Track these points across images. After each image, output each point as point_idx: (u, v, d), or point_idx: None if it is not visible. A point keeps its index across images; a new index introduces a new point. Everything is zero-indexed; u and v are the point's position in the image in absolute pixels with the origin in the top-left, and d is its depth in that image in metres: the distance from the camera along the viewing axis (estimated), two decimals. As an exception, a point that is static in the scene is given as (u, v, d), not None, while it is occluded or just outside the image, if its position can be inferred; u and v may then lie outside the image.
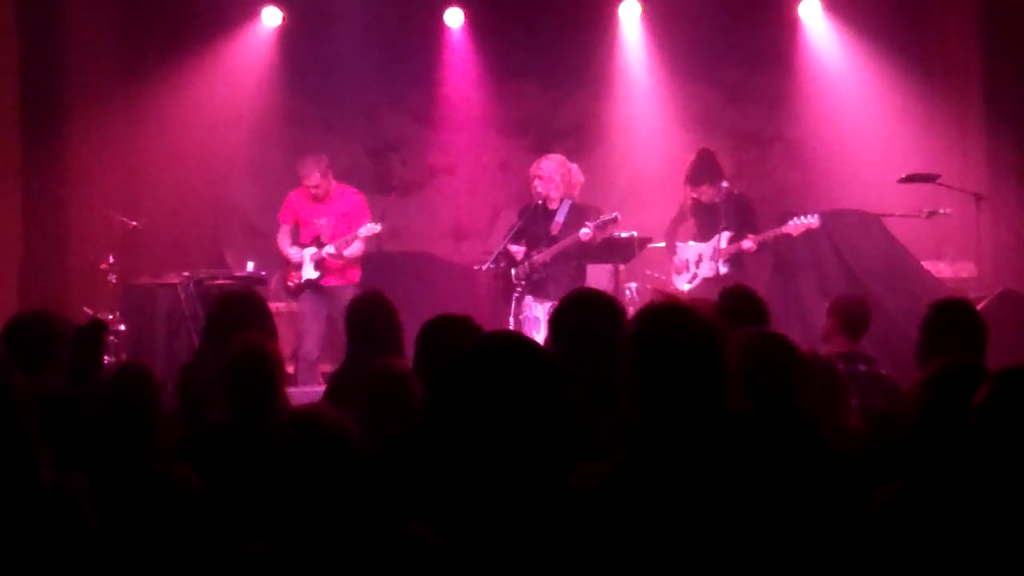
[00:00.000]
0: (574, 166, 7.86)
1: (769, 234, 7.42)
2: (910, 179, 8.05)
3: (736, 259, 7.53)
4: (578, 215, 7.56)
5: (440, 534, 2.35)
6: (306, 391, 6.00)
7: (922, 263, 7.77)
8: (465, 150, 10.25)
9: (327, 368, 7.43)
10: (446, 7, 9.86)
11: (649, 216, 8.57)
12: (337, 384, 4.29)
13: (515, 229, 7.58)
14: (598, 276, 8.17)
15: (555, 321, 3.40)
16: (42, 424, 2.89)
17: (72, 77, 8.85)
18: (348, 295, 7.63)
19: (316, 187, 7.83)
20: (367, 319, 4.34)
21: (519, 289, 7.49)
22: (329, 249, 7.75)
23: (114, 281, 8.16)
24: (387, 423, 3.33)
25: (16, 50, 8.23)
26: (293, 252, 7.87)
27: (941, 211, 8.08)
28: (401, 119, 10.30)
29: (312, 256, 7.84)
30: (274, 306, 7.67)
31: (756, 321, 4.10)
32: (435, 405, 2.23)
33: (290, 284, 7.98)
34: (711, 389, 2.30)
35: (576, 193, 7.78)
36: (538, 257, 7.47)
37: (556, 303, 7.34)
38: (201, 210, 9.70)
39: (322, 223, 7.88)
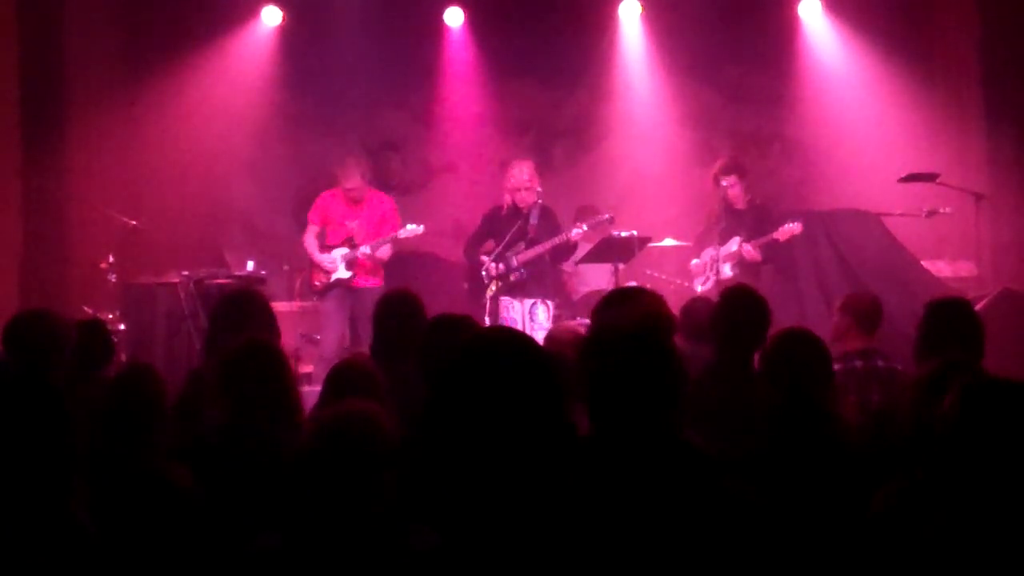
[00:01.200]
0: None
1: (761, 241, 7.48)
2: (910, 178, 8.05)
3: (742, 264, 7.57)
4: (548, 216, 7.65)
5: (439, 533, 2.34)
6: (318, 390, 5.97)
7: (922, 262, 7.78)
8: (465, 150, 10.25)
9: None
10: (446, 7, 9.85)
11: (649, 216, 8.58)
12: None
13: (512, 233, 7.55)
14: (598, 276, 8.18)
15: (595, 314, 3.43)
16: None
17: (72, 77, 8.85)
18: (374, 296, 7.67)
19: (355, 189, 7.92)
20: (390, 316, 4.34)
21: (493, 289, 7.51)
22: (365, 249, 7.80)
23: (114, 280, 8.16)
24: None
25: (16, 50, 8.23)
26: (327, 259, 7.92)
27: (941, 210, 8.08)
28: (401, 119, 10.30)
29: (344, 256, 7.89)
30: (275, 306, 7.70)
31: (757, 320, 4.11)
32: (434, 402, 2.23)
33: (317, 284, 8.03)
34: (661, 408, 2.26)
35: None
36: (521, 257, 7.49)
37: (537, 300, 7.44)
38: (201, 210, 9.70)
39: (354, 225, 7.94)
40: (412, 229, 7.83)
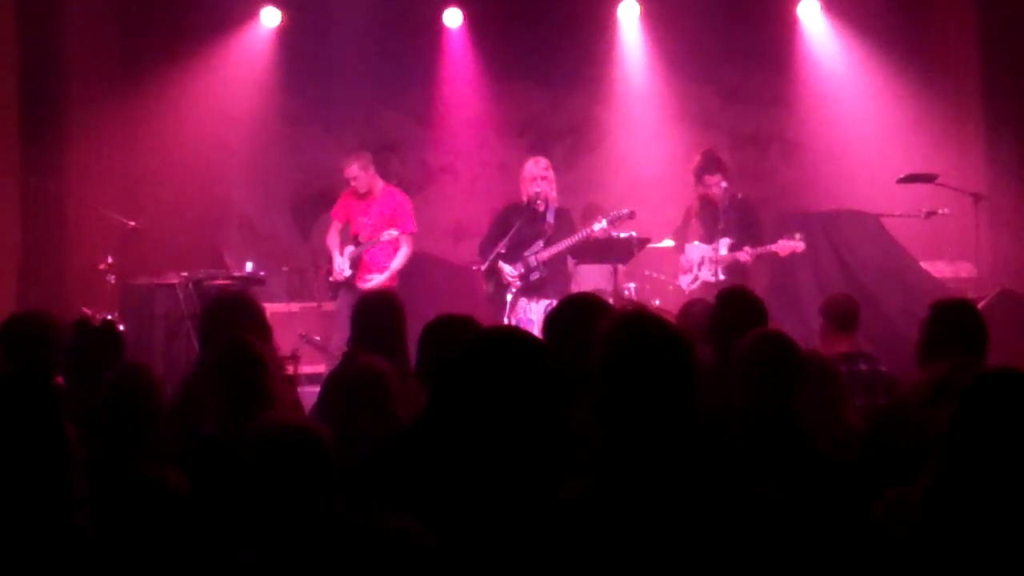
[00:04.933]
0: None
1: (760, 250, 7.42)
2: (909, 179, 8.05)
3: (734, 266, 7.51)
4: (565, 217, 7.65)
5: (434, 532, 2.33)
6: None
7: (921, 263, 7.78)
8: (464, 150, 10.25)
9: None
10: (445, 7, 9.85)
11: (648, 216, 8.55)
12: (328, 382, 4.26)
13: (514, 230, 7.55)
14: (596, 276, 8.16)
15: (549, 324, 3.40)
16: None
17: (72, 77, 8.84)
18: None
19: (355, 179, 7.94)
20: (369, 318, 4.32)
21: (513, 290, 7.50)
22: (363, 247, 7.79)
23: (113, 281, 8.15)
24: (364, 422, 3.31)
25: (16, 50, 8.22)
26: (337, 260, 7.99)
27: (940, 211, 8.08)
28: (400, 119, 10.30)
29: (349, 254, 7.94)
30: (272, 306, 7.70)
31: (754, 322, 4.09)
32: (434, 401, 2.21)
33: (330, 279, 8.10)
34: (680, 403, 2.20)
35: None
36: (541, 255, 7.48)
37: (553, 301, 7.40)
38: (200, 210, 9.69)
39: (364, 221, 7.97)
40: (388, 235, 7.79)
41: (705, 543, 2.09)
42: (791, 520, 2.21)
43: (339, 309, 8.00)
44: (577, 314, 3.28)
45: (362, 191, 7.98)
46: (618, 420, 2.19)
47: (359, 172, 7.93)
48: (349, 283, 7.93)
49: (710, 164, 7.66)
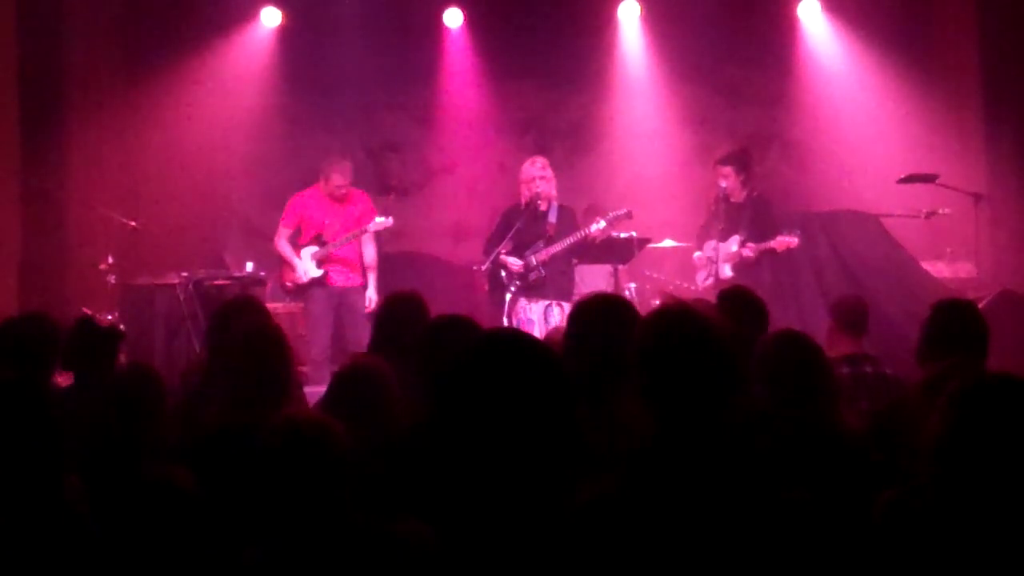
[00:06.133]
0: None
1: (761, 247, 7.43)
2: (909, 179, 8.05)
3: (742, 264, 7.51)
4: (567, 215, 7.63)
5: (438, 535, 2.33)
6: (315, 391, 5.94)
7: (921, 263, 7.77)
8: (465, 150, 10.25)
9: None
10: (445, 7, 9.86)
11: (648, 216, 8.57)
12: None
13: (514, 231, 7.55)
14: (597, 276, 8.16)
15: (574, 318, 3.40)
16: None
17: (72, 77, 8.85)
18: (355, 295, 7.73)
19: (342, 187, 7.84)
20: (394, 318, 4.30)
21: (512, 290, 7.48)
22: (331, 246, 7.74)
23: (113, 281, 8.16)
24: (364, 423, 3.30)
25: (16, 50, 8.23)
26: (299, 264, 7.86)
27: (940, 211, 8.09)
28: (401, 119, 10.30)
29: (314, 255, 7.84)
30: (272, 306, 7.70)
31: (754, 322, 4.09)
32: (439, 404, 2.20)
33: (288, 284, 7.95)
34: (725, 396, 2.20)
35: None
36: (541, 256, 7.47)
37: (552, 302, 7.39)
38: (201, 210, 9.69)
39: (332, 223, 7.88)
40: (381, 222, 7.74)
41: (734, 541, 2.09)
42: (822, 521, 2.20)
43: (314, 310, 7.88)
44: (603, 311, 3.29)
45: (343, 197, 7.89)
46: (656, 414, 2.19)
47: (351, 177, 7.87)
48: (321, 282, 7.82)
49: (727, 155, 7.73)
